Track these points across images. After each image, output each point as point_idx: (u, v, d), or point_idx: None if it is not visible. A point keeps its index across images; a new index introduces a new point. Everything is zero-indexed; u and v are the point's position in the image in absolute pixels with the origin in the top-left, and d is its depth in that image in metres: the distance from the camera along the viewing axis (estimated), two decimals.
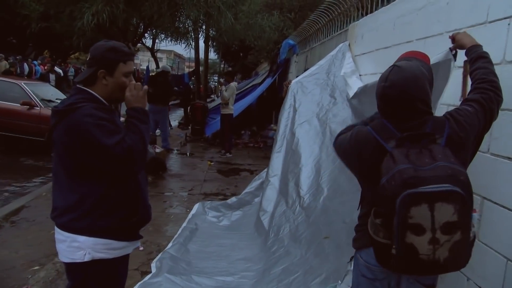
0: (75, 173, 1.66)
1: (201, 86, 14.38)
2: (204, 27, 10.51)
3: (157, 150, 6.83)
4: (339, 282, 2.68)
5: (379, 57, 3.66)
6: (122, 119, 1.83)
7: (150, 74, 12.58)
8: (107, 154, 1.56)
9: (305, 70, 5.78)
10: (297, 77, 5.26)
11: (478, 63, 1.71)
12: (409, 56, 1.74)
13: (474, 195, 2.04)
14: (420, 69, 1.55)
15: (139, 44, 12.69)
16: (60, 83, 14.09)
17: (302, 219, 3.60)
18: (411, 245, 1.34)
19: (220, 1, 8.20)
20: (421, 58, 1.72)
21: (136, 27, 10.03)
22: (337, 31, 5.82)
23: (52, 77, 14.04)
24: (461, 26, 2.30)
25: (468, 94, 1.67)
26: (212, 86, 28.30)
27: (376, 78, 2.44)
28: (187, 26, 10.07)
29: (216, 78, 30.32)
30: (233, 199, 5.17)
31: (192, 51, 12.94)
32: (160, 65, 13.36)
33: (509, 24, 1.92)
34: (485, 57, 1.73)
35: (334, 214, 3.33)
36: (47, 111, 6.72)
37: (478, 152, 1.68)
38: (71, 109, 1.61)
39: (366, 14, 4.45)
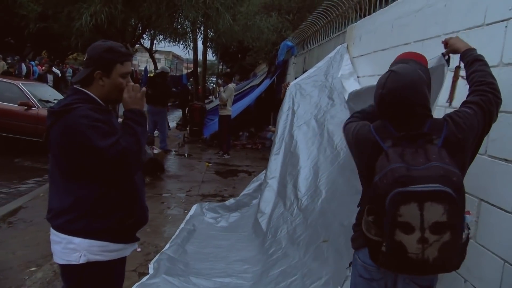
0: (70, 174, 1.65)
1: (199, 87, 14.40)
2: (202, 28, 10.50)
3: (155, 151, 6.81)
4: (339, 287, 2.66)
5: (377, 59, 3.67)
6: (120, 120, 1.82)
7: (149, 75, 12.57)
8: (101, 156, 1.55)
9: (303, 72, 5.80)
10: (295, 78, 5.27)
11: (475, 66, 1.70)
12: (406, 57, 1.74)
13: (471, 197, 2.06)
14: (417, 73, 1.55)
15: (137, 45, 12.68)
16: (58, 84, 14.03)
17: (300, 221, 3.60)
18: (400, 243, 1.35)
19: (218, 2, 8.20)
20: (418, 59, 1.71)
21: (134, 27, 10.01)
22: (335, 33, 5.83)
23: (50, 77, 13.97)
24: (458, 28, 2.31)
25: (467, 97, 1.66)
26: (210, 87, 28.33)
27: (374, 80, 2.45)
28: (185, 27, 10.06)
29: (214, 79, 30.40)
30: (231, 200, 5.16)
31: (191, 52, 12.94)
32: (159, 66, 13.34)
33: (506, 26, 1.92)
34: (481, 59, 1.72)
35: (332, 216, 3.32)
36: (45, 112, 6.68)
37: None
38: (66, 110, 1.60)
39: (364, 16, 4.46)
